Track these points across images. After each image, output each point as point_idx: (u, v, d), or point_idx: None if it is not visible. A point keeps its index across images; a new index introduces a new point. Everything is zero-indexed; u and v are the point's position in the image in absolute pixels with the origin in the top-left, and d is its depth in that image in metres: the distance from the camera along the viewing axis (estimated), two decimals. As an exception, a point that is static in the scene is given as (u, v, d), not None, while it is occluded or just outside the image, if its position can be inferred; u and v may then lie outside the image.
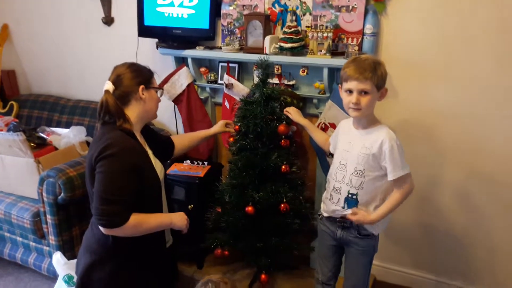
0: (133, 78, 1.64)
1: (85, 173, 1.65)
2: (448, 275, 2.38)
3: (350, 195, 1.72)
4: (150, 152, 1.73)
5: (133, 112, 1.66)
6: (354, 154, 1.69)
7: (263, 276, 2.22)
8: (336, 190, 1.76)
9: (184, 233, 1.77)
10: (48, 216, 2.32)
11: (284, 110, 2.09)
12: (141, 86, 1.65)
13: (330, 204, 1.81)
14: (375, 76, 1.59)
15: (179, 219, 1.71)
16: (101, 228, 1.52)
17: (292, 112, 2.07)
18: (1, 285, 2.57)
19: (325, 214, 1.87)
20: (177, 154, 2.07)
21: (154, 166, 1.68)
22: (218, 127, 2.23)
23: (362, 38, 2.12)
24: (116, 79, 1.64)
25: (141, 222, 1.55)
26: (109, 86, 1.62)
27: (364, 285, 1.84)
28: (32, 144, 2.66)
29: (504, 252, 2.22)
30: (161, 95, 1.77)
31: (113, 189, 1.48)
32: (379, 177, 1.67)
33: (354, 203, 1.72)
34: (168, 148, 2.01)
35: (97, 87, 3.15)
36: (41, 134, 2.80)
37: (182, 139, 2.11)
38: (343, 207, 1.74)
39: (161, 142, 1.95)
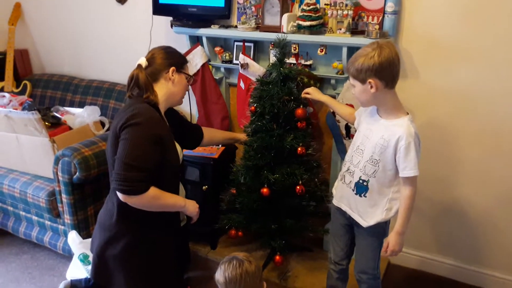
0: (166, 59, 1.71)
1: (107, 143, 1.67)
2: (465, 260, 2.35)
3: (361, 181, 1.69)
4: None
5: (160, 90, 1.70)
6: (372, 142, 1.65)
7: (277, 257, 2.22)
8: (350, 172, 1.74)
9: (193, 222, 1.82)
10: (64, 195, 2.33)
11: (303, 93, 2.05)
12: (173, 68, 1.70)
13: (341, 185, 1.79)
14: (352, 69, 1.58)
15: (192, 205, 1.75)
16: (119, 195, 1.52)
17: (311, 91, 2.02)
18: (17, 263, 2.61)
19: (335, 203, 1.85)
20: (204, 144, 2.13)
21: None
22: (244, 137, 2.25)
23: (383, 16, 2.05)
24: (151, 57, 1.71)
25: (160, 196, 1.58)
26: (142, 61, 1.69)
27: (373, 268, 1.82)
28: (46, 123, 2.65)
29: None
30: (190, 83, 1.82)
31: (136, 156, 1.49)
32: (393, 169, 1.63)
33: (364, 190, 1.69)
34: (196, 136, 2.06)
35: (110, 66, 3.16)
36: (55, 114, 2.80)
37: (213, 133, 2.20)
38: (353, 190, 1.72)
39: (188, 128, 2.01)
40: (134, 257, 1.67)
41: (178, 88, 1.74)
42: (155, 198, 1.56)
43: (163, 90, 1.70)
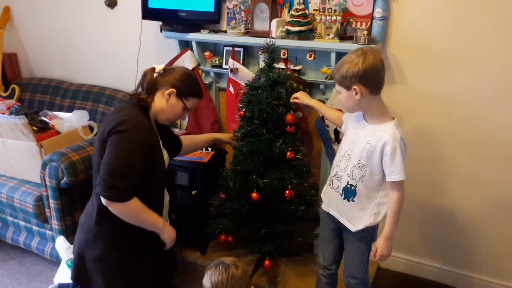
0: (176, 80, 1.67)
1: (93, 146, 1.65)
2: (453, 263, 2.37)
3: (349, 186, 1.70)
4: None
5: (155, 101, 1.69)
6: (359, 147, 1.66)
7: (266, 262, 2.21)
8: (338, 177, 1.75)
9: (166, 249, 1.76)
10: (51, 201, 2.31)
11: (291, 98, 2.05)
12: (173, 90, 1.66)
13: (330, 190, 1.80)
14: (337, 75, 1.58)
15: (169, 231, 1.71)
16: (103, 200, 1.51)
17: (300, 96, 2.04)
18: (4, 269, 2.58)
19: (324, 208, 1.85)
20: (186, 152, 2.11)
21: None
22: (226, 136, 2.25)
23: (371, 22, 2.07)
24: (168, 70, 1.70)
25: (142, 209, 1.57)
26: (159, 68, 1.69)
27: (362, 273, 1.82)
28: (34, 128, 2.63)
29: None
30: (184, 114, 1.75)
31: (123, 163, 1.49)
32: (380, 174, 1.64)
33: (352, 194, 1.70)
34: (175, 147, 2.02)
35: (99, 70, 3.14)
36: (44, 118, 2.78)
37: (193, 139, 2.15)
38: (341, 195, 1.73)
39: (171, 139, 1.98)
40: (114, 259, 1.66)
41: (170, 110, 1.70)
42: (137, 210, 1.55)
43: (157, 102, 1.68)
